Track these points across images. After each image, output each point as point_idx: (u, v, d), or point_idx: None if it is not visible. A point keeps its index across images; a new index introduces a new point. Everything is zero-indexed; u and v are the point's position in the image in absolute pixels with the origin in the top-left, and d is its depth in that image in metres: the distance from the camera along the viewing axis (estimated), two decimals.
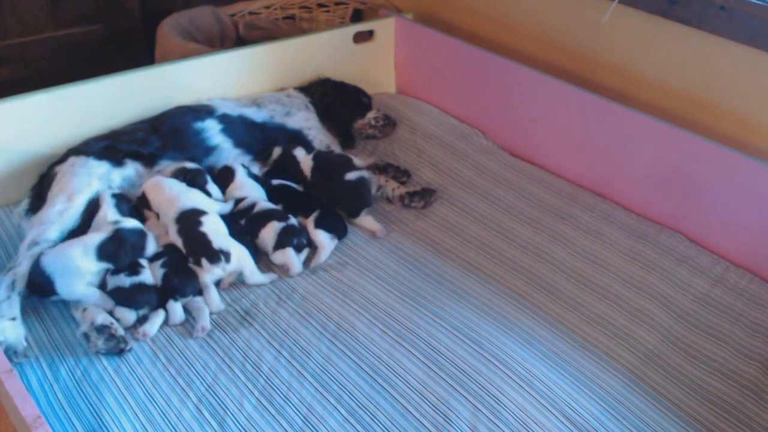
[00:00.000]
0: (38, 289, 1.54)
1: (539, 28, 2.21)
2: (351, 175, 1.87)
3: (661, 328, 1.55)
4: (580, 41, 2.10)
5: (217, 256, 1.59)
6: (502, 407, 1.34)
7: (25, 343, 1.47)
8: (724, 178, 1.71)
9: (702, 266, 1.70)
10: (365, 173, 1.90)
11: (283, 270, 1.69)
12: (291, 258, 1.67)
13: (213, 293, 1.58)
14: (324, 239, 1.73)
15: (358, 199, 1.86)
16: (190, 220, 1.65)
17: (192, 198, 1.71)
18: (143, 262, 1.61)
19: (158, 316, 1.54)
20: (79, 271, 1.54)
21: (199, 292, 1.60)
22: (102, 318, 1.49)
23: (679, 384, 1.44)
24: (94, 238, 1.59)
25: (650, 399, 1.40)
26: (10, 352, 1.43)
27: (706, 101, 1.86)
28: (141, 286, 1.56)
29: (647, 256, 1.73)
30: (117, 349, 1.46)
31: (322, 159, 1.95)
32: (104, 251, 1.57)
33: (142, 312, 1.54)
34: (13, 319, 1.49)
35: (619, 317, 1.58)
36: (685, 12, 1.80)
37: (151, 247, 1.64)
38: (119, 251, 1.58)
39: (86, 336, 1.48)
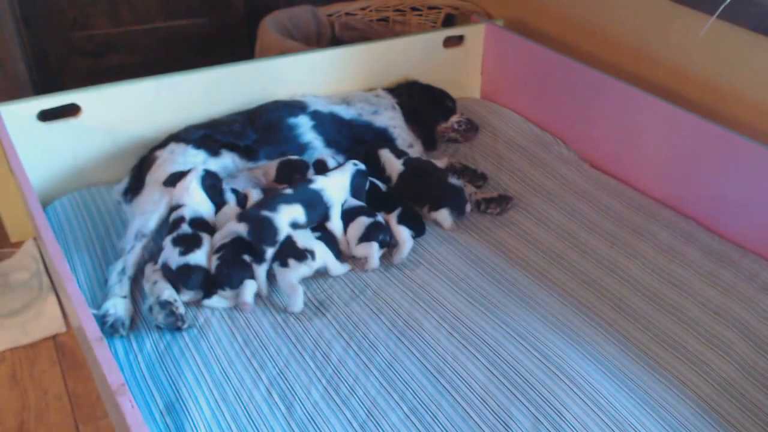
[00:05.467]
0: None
1: (631, 40, 2.16)
2: (454, 180, 1.93)
3: (738, 357, 1.49)
4: (673, 55, 2.05)
5: (303, 254, 1.63)
6: (564, 421, 1.33)
7: (129, 321, 1.55)
8: None
9: None
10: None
11: (360, 264, 1.73)
12: (374, 251, 1.71)
13: (299, 295, 1.60)
14: (406, 236, 1.77)
15: (461, 201, 1.90)
16: None
17: None
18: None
19: (250, 287, 1.59)
20: None
21: (250, 276, 1.62)
22: (168, 294, 1.55)
23: (754, 417, 1.38)
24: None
25: (721, 430, 1.35)
26: (118, 324, 1.52)
27: None
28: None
29: (729, 280, 1.68)
30: (174, 326, 1.52)
31: (414, 164, 1.98)
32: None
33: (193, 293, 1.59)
34: (124, 297, 1.59)
35: (693, 342, 1.53)
36: None
37: None
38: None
39: (150, 309, 1.55)
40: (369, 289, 1.66)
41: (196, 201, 1.72)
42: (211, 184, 1.77)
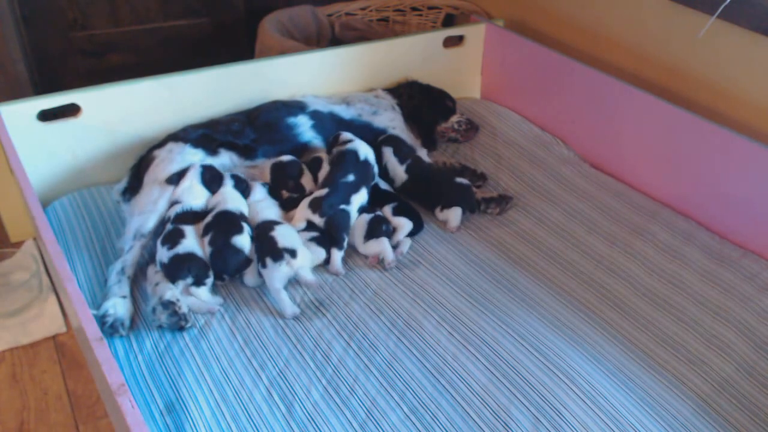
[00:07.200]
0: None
1: (631, 40, 2.17)
2: (461, 180, 1.95)
3: (737, 357, 1.49)
4: (673, 55, 2.05)
5: (280, 254, 1.59)
6: (564, 421, 1.33)
7: (129, 321, 1.56)
8: None
9: None
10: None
11: (371, 261, 1.74)
12: (386, 247, 1.72)
13: (282, 299, 1.58)
14: (403, 221, 1.79)
15: (470, 198, 1.91)
16: (265, 227, 1.69)
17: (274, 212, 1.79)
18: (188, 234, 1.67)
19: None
20: None
21: (244, 265, 1.64)
22: (170, 294, 1.55)
23: (753, 417, 1.38)
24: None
25: (721, 430, 1.35)
26: (118, 324, 1.52)
27: None
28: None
29: (728, 280, 1.68)
30: (178, 325, 1.52)
31: (418, 171, 1.99)
32: None
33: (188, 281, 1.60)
34: (124, 297, 1.59)
35: (693, 341, 1.53)
36: None
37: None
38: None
39: (154, 310, 1.55)
40: (369, 289, 1.66)
41: (196, 197, 1.74)
42: (210, 178, 1.80)
